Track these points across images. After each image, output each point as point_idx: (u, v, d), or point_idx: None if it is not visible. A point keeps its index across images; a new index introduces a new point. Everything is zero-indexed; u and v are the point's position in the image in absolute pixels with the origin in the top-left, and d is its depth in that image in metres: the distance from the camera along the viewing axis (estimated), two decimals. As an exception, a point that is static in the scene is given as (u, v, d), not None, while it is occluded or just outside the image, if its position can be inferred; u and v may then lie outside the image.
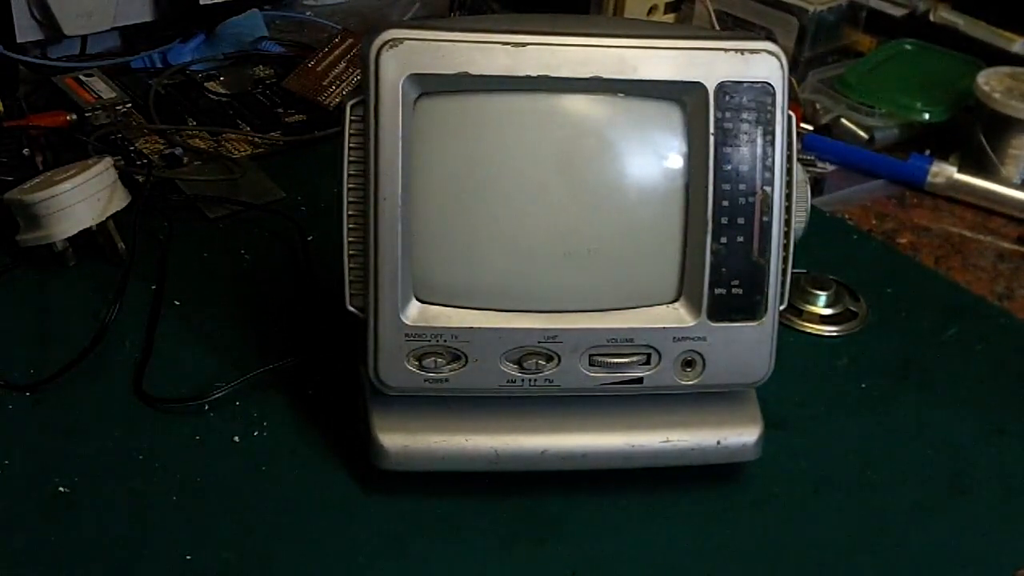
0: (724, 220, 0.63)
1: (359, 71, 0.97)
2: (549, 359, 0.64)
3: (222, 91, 1.05)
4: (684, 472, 0.68)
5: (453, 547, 0.64)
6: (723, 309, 0.64)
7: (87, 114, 0.97)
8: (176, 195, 0.91)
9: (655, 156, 0.64)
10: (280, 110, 1.03)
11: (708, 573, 0.64)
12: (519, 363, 0.64)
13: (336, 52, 1.07)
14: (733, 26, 1.15)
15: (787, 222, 0.65)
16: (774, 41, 0.63)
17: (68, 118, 0.96)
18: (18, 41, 1.03)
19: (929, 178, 1.01)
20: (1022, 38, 1.12)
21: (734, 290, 0.64)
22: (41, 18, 1.03)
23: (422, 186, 0.62)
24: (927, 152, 1.02)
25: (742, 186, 0.63)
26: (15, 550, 0.62)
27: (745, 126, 0.63)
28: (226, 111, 1.03)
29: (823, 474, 0.71)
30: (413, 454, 0.65)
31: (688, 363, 0.66)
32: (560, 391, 0.66)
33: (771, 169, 0.63)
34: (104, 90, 0.99)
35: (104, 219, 0.81)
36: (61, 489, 0.65)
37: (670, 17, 1.19)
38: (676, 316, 0.65)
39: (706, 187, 0.63)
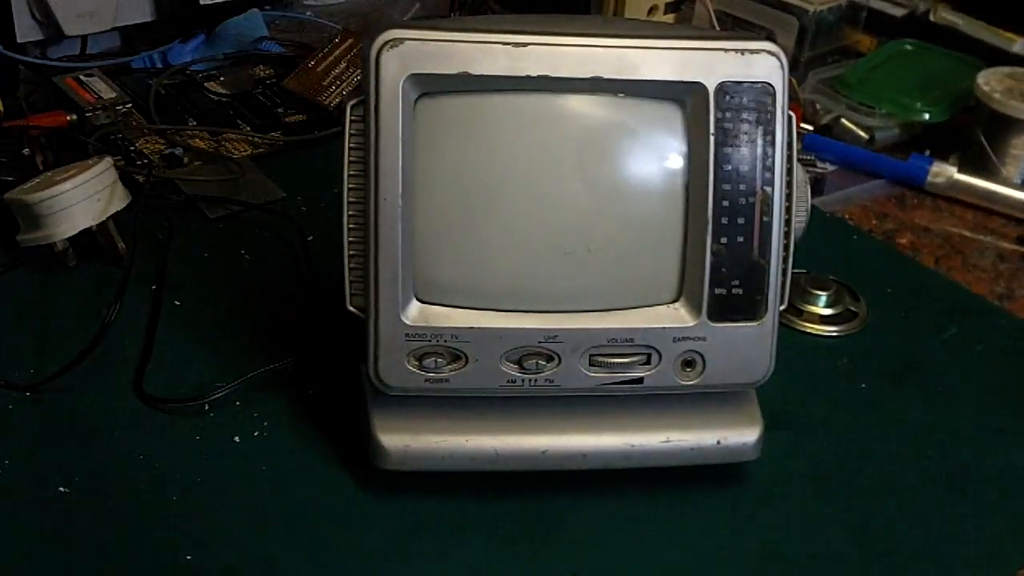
0: (724, 220, 0.63)
1: (359, 71, 0.98)
2: (549, 359, 0.64)
3: (222, 91, 1.05)
4: (684, 472, 0.68)
5: (453, 547, 0.64)
6: (723, 309, 0.64)
7: (87, 114, 0.97)
8: (176, 195, 0.91)
9: (655, 156, 0.64)
10: (280, 110, 1.03)
11: (708, 573, 0.64)
12: (519, 363, 0.64)
13: (336, 52, 1.07)
14: (733, 26, 1.15)
15: (787, 222, 0.65)
16: (774, 41, 0.63)
17: (68, 118, 0.96)
18: (18, 41, 1.03)
19: (929, 178, 1.01)
20: (1022, 38, 1.12)
21: (734, 290, 0.64)
22: (41, 18, 1.03)
23: (422, 186, 0.62)
24: (927, 152, 1.02)
25: (742, 186, 0.63)
26: (15, 550, 0.62)
27: (745, 126, 0.63)
28: (226, 111, 1.02)
29: (823, 474, 0.71)
30: (413, 454, 0.65)
31: (688, 363, 0.66)
32: (560, 391, 0.66)
33: (771, 169, 0.63)
34: (104, 90, 0.99)
35: (104, 219, 0.81)
36: (61, 489, 0.65)
37: (670, 17, 1.19)
38: (676, 316, 0.65)
39: (706, 187, 0.63)
